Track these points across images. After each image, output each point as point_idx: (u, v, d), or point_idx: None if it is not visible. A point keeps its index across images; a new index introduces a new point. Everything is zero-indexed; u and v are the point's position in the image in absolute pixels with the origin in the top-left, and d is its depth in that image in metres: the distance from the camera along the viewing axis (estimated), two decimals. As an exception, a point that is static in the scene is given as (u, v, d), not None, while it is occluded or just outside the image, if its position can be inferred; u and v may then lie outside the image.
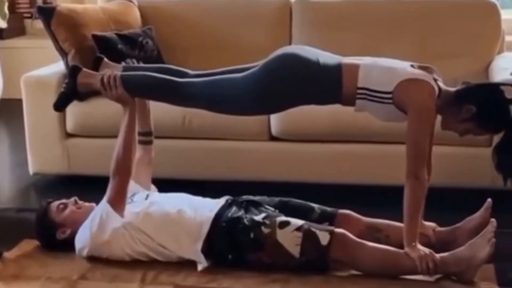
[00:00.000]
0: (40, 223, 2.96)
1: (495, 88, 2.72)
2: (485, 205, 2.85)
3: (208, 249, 2.75)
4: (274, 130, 3.66)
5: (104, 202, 2.84)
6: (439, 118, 2.74)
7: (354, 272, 2.70)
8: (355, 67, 2.70)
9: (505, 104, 2.66)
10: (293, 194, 3.02)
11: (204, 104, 2.86)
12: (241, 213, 2.78)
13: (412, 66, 2.73)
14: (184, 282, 2.68)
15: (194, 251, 2.75)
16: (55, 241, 2.93)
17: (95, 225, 2.80)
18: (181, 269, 2.76)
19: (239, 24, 4.18)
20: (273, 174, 3.68)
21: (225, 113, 2.90)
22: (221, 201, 2.90)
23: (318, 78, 2.71)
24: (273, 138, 3.70)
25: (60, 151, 3.86)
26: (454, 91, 2.73)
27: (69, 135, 3.86)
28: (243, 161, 3.71)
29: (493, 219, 2.70)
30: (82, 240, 2.85)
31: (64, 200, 2.99)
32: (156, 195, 3.02)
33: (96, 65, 3.01)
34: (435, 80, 2.71)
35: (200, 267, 2.75)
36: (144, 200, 2.92)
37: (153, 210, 2.83)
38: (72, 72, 2.96)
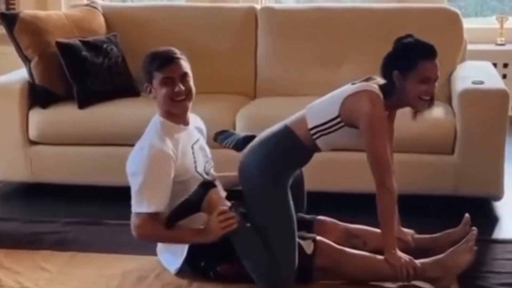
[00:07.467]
0: None
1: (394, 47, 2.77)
2: (464, 220, 2.87)
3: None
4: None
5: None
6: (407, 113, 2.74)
7: (322, 282, 2.69)
8: (302, 117, 2.73)
9: (409, 40, 2.76)
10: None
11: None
12: None
13: (353, 83, 2.74)
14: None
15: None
16: None
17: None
18: (143, 279, 2.76)
19: (205, 31, 4.16)
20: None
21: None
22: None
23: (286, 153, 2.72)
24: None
25: (22, 158, 3.81)
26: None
27: (32, 143, 3.82)
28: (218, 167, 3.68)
29: (474, 228, 2.73)
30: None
31: None
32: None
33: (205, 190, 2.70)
34: (377, 84, 2.70)
35: (173, 271, 2.77)
36: (204, 167, 2.86)
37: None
38: (206, 186, 2.71)
